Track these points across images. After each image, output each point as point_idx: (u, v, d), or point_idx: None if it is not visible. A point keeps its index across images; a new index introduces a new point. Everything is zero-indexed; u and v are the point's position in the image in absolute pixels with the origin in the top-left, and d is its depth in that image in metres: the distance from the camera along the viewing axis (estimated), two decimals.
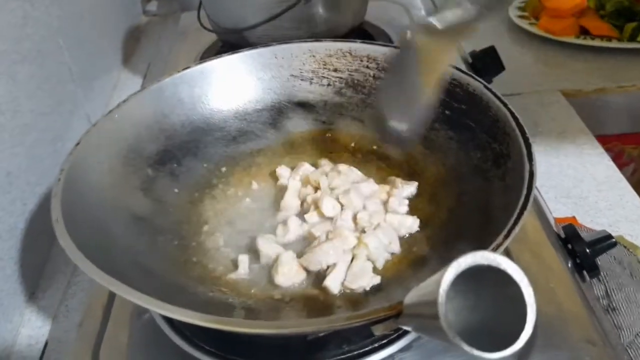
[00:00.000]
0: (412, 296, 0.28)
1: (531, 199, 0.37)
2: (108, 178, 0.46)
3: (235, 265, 0.44)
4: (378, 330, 0.33)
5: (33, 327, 0.57)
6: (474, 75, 0.48)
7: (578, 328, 0.41)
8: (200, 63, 0.54)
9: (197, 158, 0.53)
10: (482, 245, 0.35)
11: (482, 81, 0.47)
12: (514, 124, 0.43)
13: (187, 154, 0.52)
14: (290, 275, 0.42)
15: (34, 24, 0.69)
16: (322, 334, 0.39)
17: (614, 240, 0.48)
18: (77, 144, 0.45)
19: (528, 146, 0.41)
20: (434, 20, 0.40)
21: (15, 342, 0.55)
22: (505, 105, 0.45)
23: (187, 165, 0.52)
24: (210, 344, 0.41)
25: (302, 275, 0.42)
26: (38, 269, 0.62)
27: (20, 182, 0.60)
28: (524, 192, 0.37)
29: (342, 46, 0.55)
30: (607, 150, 0.90)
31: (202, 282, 0.42)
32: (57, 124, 0.71)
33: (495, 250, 0.34)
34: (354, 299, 0.40)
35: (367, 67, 0.54)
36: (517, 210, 0.36)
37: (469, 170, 0.46)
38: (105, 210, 0.43)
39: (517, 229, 0.35)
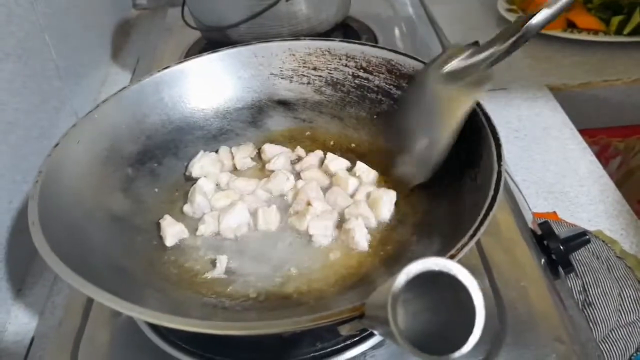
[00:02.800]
0: (372, 299, 0.29)
1: (498, 200, 0.37)
2: (87, 178, 0.46)
3: (213, 264, 0.45)
4: (344, 330, 0.34)
5: (20, 324, 0.58)
6: None
7: (547, 326, 0.42)
8: (180, 63, 0.54)
9: (178, 157, 0.53)
10: (452, 244, 0.36)
11: None
12: (485, 123, 0.43)
13: (168, 153, 0.53)
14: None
15: (18, 21, 0.69)
16: (296, 332, 0.40)
17: (587, 237, 0.49)
18: (56, 145, 0.45)
19: (498, 147, 0.41)
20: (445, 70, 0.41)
21: (2, 338, 0.56)
22: (478, 105, 0.45)
23: (168, 164, 0.52)
24: (188, 343, 0.42)
25: None
26: (25, 266, 0.63)
27: (5, 181, 0.60)
28: (491, 192, 0.38)
29: (321, 45, 0.55)
30: (594, 143, 0.91)
31: (178, 282, 0.43)
32: (43, 121, 0.72)
33: (461, 249, 0.35)
34: (325, 297, 0.41)
35: (346, 65, 0.54)
36: (484, 211, 0.37)
37: (443, 169, 0.47)
38: (84, 211, 0.44)
39: (482, 229, 0.36)
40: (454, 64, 0.45)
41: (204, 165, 0.52)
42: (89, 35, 0.94)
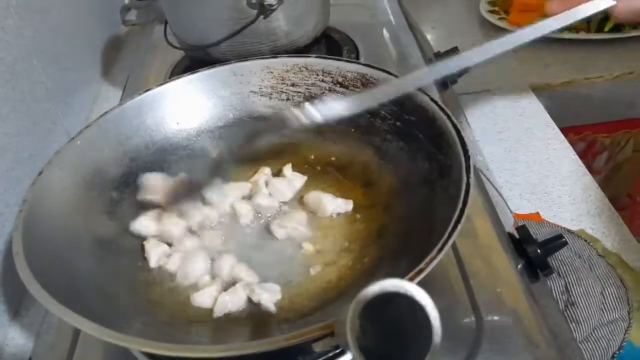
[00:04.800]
0: (340, 317, 0.30)
1: (466, 213, 0.38)
2: (72, 204, 0.47)
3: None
4: (318, 347, 0.35)
5: (17, 345, 0.59)
6: (420, 88, 0.49)
7: (523, 331, 0.43)
8: (161, 85, 0.55)
9: None
10: (424, 257, 0.37)
11: (428, 94, 0.48)
12: (455, 135, 0.44)
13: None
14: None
15: (5, 47, 0.70)
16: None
17: (564, 240, 0.50)
18: (40, 173, 0.47)
19: (467, 159, 0.42)
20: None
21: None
22: (449, 117, 0.46)
23: None
24: None
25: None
26: (21, 288, 0.64)
27: None
28: (459, 205, 0.39)
29: (298, 61, 0.56)
30: (580, 140, 0.92)
31: (163, 302, 0.44)
32: (35, 143, 0.73)
33: (429, 263, 0.36)
34: (305, 312, 0.42)
35: (323, 80, 0.55)
36: (452, 224, 0.38)
37: (418, 180, 0.48)
38: (69, 236, 0.45)
39: (449, 242, 0.37)
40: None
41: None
42: (78, 54, 0.96)
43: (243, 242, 0.49)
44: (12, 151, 0.66)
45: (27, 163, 0.69)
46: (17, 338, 0.60)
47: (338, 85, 0.55)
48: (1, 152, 0.64)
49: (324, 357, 0.42)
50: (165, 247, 0.48)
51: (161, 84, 0.56)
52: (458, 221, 0.38)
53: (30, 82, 0.76)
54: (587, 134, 0.92)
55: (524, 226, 0.52)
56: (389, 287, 0.26)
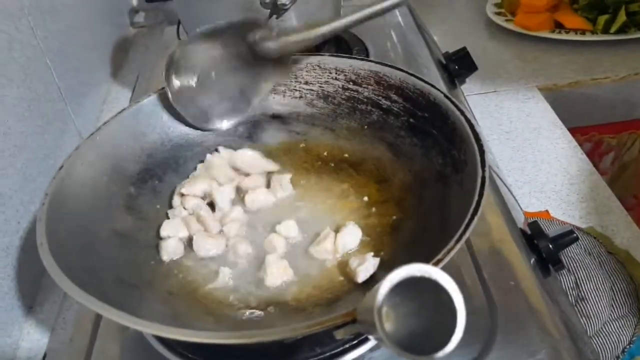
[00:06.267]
0: (362, 304, 0.31)
1: (482, 205, 0.39)
2: (91, 198, 0.48)
3: (215, 275, 0.46)
4: (340, 335, 0.35)
5: (32, 340, 0.60)
6: (434, 84, 0.50)
7: (537, 322, 0.44)
8: None
9: (177, 174, 0.55)
10: (441, 248, 0.38)
11: (442, 90, 0.49)
12: (469, 131, 0.45)
13: (168, 170, 0.55)
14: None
15: (20, 47, 0.71)
16: (296, 338, 0.41)
17: (575, 235, 0.51)
18: (61, 167, 0.47)
19: (482, 153, 0.43)
20: None
21: (15, 355, 0.58)
22: (462, 113, 0.47)
23: (168, 181, 0.54)
24: (194, 353, 0.43)
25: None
26: (35, 284, 0.65)
27: (13, 202, 0.62)
28: (476, 198, 0.40)
29: (312, 60, 0.57)
30: (587, 140, 0.93)
31: (181, 294, 0.45)
32: (49, 143, 0.74)
33: (447, 253, 0.36)
34: (321, 303, 0.43)
35: (336, 78, 0.56)
36: (468, 217, 0.38)
37: (432, 175, 0.49)
38: (89, 230, 0.46)
39: (467, 234, 0.37)
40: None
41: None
42: (89, 55, 0.97)
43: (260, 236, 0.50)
44: (27, 150, 0.67)
45: (41, 162, 0.70)
46: (32, 333, 0.60)
47: (351, 83, 0.56)
48: (17, 150, 0.65)
49: (342, 347, 0.42)
50: (179, 243, 0.49)
51: None
52: (475, 213, 0.38)
53: (44, 82, 0.77)
54: (593, 135, 0.93)
55: (535, 222, 0.53)
56: (415, 272, 0.27)
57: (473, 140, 0.44)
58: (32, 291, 0.64)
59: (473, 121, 0.46)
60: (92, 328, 0.48)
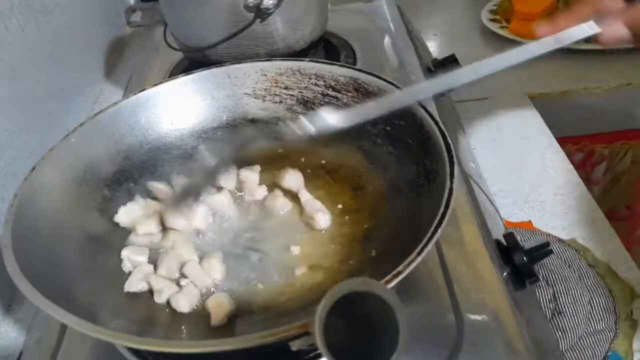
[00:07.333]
0: (314, 315, 0.31)
1: (447, 216, 0.39)
2: (64, 200, 0.48)
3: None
4: (295, 346, 0.35)
5: (9, 338, 0.60)
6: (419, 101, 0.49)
7: (504, 337, 0.43)
8: (156, 85, 0.56)
9: (154, 176, 0.55)
10: (404, 259, 0.37)
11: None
12: (442, 140, 0.45)
13: (145, 173, 0.55)
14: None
15: (9, 47, 0.71)
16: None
17: (549, 248, 0.50)
18: (33, 169, 0.47)
19: (452, 164, 0.43)
20: None
21: None
22: (436, 123, 0.46)
23: (144, 184, 0.54)
24: (160, 359, 0.43)
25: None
26: (13, 282, 0.65)
27: None
28: (441, 210, 0.39)
29: (292, 65, 0.57)
30: (579, 150, 0.92)
31: (149, 299, 0.45)
32: (34, 141, 0.74)
33: (407, 266, 0.36)
34: (287, 312, 0.43)
35: (316, 84, 0.56)
36: (432, 228, 0.38)
37: (405, 185, 0.48)
38: (59, 232, 0.46)
39: (429, 246, 0.37)
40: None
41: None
42: (81, 54, 0.97)
43: (230, 242, 0.50)
44: (11, 148, 0.68)
45: (26, 160, 0.70)
46: (9, 332, 0.61)
47: (330, 89, 0.55)
48: (1, 148, 0.65)
49: (306, 357, 0.42)
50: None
51: (156, 85, 0.57)
52: (439, 225, 0.38)
53: (33, 82, 0.77)
54: (585, 144, 0.92)
55: (511, 233, 0.52)
56: (359, 287, 0.27)
57: (444, 150, 0.44)
58: (11, 290, 0.64)
59: (447, 131, 0.46)
60: (60, 330, 0.48)
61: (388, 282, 0.35)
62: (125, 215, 0.50)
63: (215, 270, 0.46)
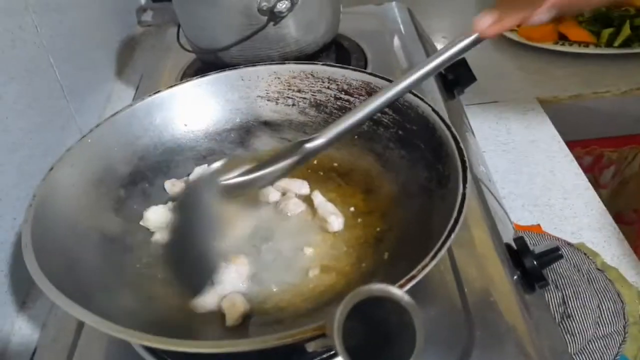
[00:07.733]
0: (329, 318, 0.31)
1: (460, 222, 0.39)
2: (80, 200, 0.49)
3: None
4: (311, 348, 0.36)
5: (23, 335, 0.61)
6: (423, 97, 0.50)
7: (514, 340, 0.44)
8: (171, 87, 0.57)
9: (168, 177, 0.56)
10: (417, 264, 0.38)
11: (430, 104, 0.49)
12: (454, 146, 0.45)
13: (159, 174, 0.56)
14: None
15: (23, 46, 0.72)
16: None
17: (560, 252, 0.50)
18: (51, 169, 0.48)
19: (464, 169, 0.43)
20: None
21: (6, 350, 0.59)
22: (448, 128, 0.47)
23: (159, 184, 0.55)
24: (176, 358, 0.44)
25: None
26: (29, 279, 0.66)
27: (9, 198, 0.63)
28: (454, 215, 0.40)
29: (305, 68, 0.57)
30: (587, 154, 0.92)
31: (164, 299, 0.45)
32: (48, 140, 0.75)
33: (421, 270, 0.37)
34: (302, 314, 0.43)
35: (328, 88, 0.57)
36: (445, 233, 0.39)
37: (417, 188, 0.49)
38: (76, 232, 0.46)
39: (443, 251, 0.37)
40: (231, 179, 0.47)
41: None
42: (94, 53, 0.98)
43: (244, 243, 0.50)
44: (26, 146, 0.68)
45: (40, 159, 0.71)
46: (23, 328, 0.61)
47: (343, 93, 0.56)
48: (15, 146, 0.66)
49: (319, 359, 0.43)
50: None
51: (171, 86, 0.57)
52: (452, 230, 0.39)
53: (46, 80, 0.78)
54: (594, 148, 0.93)
55: (521, 237, 0.53)
56: (376, 292, 0.27)
57: (457, 155, 0.44)
58: (26, 287, 0.65)
59: (459, 136, 0.46)
60: (76, 328, 0.48)
61: (402, 285, 0.35)
62: (153, 215, 0.51)
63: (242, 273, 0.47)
